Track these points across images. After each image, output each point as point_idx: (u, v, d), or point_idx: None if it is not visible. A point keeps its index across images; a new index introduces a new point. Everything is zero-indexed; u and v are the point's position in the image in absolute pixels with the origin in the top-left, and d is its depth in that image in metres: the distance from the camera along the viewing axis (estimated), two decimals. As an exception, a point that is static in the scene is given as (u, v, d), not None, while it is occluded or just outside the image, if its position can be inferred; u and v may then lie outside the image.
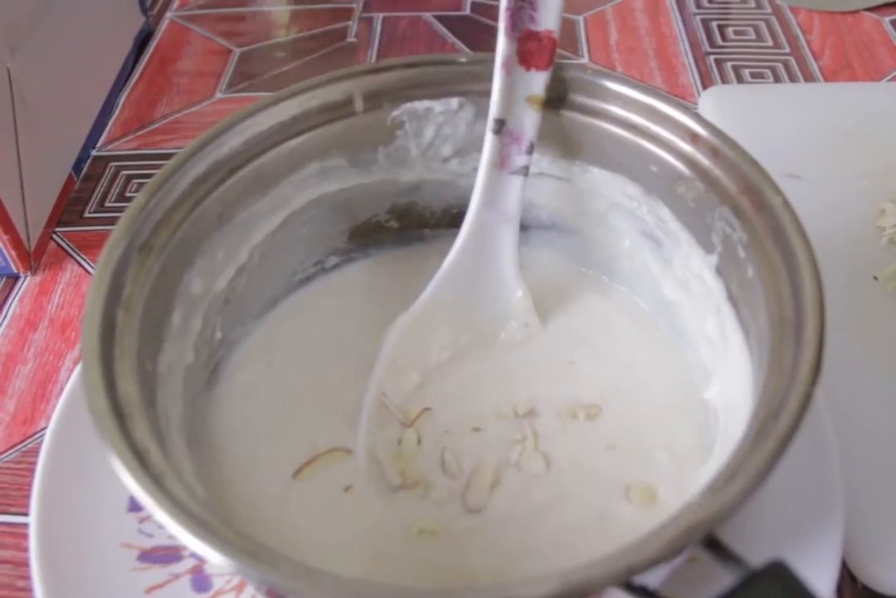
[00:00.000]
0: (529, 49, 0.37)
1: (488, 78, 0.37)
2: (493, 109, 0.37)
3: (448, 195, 0.43)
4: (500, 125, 0.38)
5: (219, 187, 0.37)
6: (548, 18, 0.36)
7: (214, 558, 0.25)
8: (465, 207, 0.40)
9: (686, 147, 0.35)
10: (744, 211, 0.33)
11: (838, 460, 0.36)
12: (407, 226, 0.45)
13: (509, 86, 0.37)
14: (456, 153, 0.41)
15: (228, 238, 0.38)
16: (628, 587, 0.24)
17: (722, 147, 0.34)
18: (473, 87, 0.39)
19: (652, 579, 0.26)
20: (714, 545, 0.25)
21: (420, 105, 0.39)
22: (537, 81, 0.37)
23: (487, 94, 0.37)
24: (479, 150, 0.39)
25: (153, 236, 0.34)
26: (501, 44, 0.36)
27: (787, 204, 0.31)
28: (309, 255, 0.43)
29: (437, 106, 0.39)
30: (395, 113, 0.39)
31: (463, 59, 0.39)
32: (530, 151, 0.38)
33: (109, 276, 0.31)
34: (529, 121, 0.38)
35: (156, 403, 0.32)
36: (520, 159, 0.38)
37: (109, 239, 0.32)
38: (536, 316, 0.42)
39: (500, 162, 0.38)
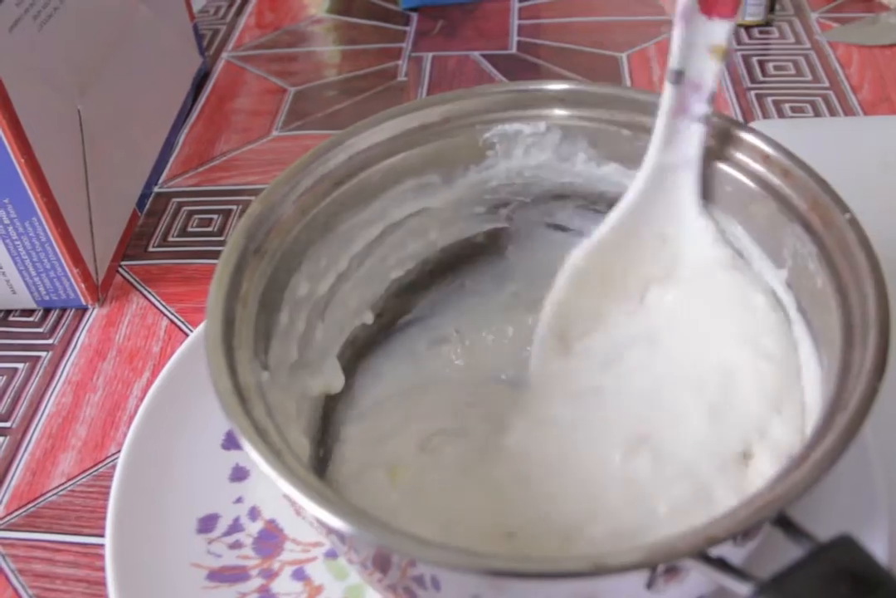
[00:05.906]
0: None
1: (575, 104, 0.40)
2: (672, 60, 0.36)
3: (532, 212, 0.46)
4: (679, 76, 0.36)
5: (324, 199, 0.39)
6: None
7: (334, 522, 0.27)
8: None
9: (758, 167, 0.37)
10: (813, 227, 0.35)
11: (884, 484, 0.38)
12: (493, 241, 0.47)
13: (689, 36, 0.36)
14: (542, 172, 0.44)
15: (331, 246, 0.40)
16: (708, 559, 0.26)
17: (792, 167, 0.36)
18: (561, 112, 0.41)
19: (734, 556, 0.28)
20: (786, 523, 0.27)
21: (510, 127, 0.41)
22: (720, 30, 0.36)
23: (575, 118, 0.40)
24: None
25: (266, 241, 0.37)
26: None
27: (854, 220, 0.33)
28: (401, 265, 0.45)
29: (526, 128, 0.41)
30: (487, 134, 0.42)
31: (551, 87, 0.41)
32: (711, 100, 0.37)
33: (229, 275, 0.34)
34: (710, 72, 0.36)
35: (266, 394, 0.34)
36: (700, 108, 0.37)
37: (228, 243, 0.35)
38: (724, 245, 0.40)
39: (679, 109, 0.37)
